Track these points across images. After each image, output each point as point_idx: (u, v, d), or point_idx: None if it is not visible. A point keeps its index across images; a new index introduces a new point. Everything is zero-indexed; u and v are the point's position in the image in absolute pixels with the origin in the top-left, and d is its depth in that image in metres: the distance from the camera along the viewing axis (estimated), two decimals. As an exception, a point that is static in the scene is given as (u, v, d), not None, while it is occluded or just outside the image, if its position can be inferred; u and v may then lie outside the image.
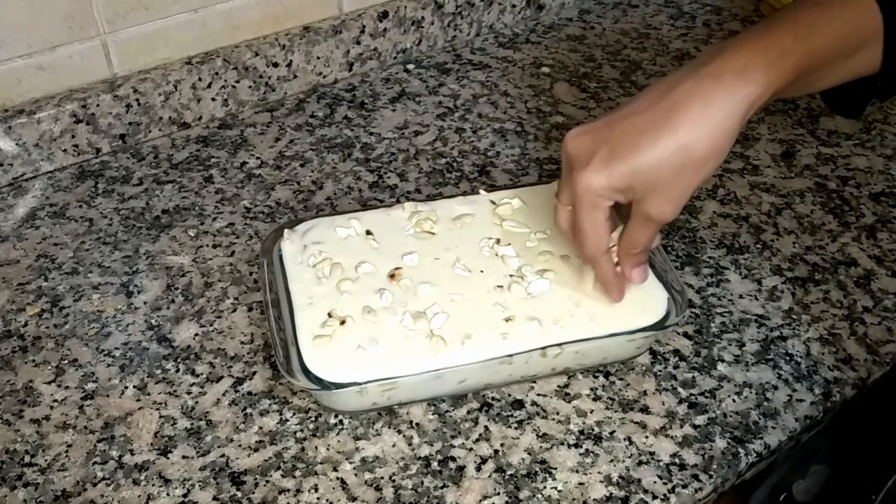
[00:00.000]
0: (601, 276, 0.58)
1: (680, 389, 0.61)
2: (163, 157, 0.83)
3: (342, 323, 0.58)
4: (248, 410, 0.59)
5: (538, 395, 0.60)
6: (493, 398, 0.60)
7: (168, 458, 0.56)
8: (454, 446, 0.57)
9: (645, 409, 0.59)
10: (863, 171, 0.82)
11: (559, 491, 0.54)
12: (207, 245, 0.73)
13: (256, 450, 0.57)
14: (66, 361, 0.63)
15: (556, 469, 0.56)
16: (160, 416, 0.59)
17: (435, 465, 0.56)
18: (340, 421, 0.59)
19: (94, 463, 0.56)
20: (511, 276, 0.61)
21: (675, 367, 0.62)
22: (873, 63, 0.54)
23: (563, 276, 0.61)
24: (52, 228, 0.74)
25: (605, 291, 0.59)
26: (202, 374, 0.62)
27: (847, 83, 0.55)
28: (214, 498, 0.54)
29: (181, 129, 0.86)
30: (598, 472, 0.56)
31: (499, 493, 0.54)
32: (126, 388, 0.61)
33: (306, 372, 0.55)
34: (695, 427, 0.58)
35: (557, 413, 0.59)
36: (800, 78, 0.52)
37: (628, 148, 0.51)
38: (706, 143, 0.50)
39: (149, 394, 0.60)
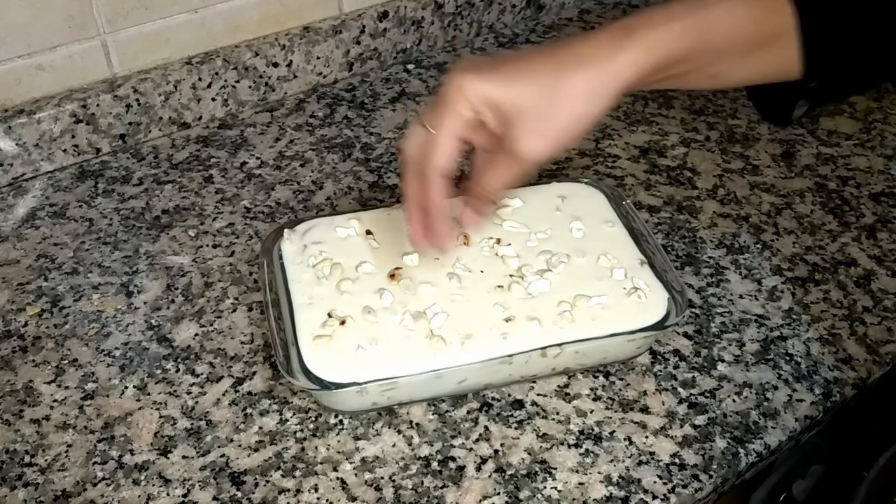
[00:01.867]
0: (425, 199, 0.54)
1: (680, 389, 0.61)
2: (163, 157, 0.83)
3: (342, 323, 0.58)
4: (248, 410, 0.59)
5: (538, 395, 0.60)
6: (493, 398, 0.60)
7: (168, 458, 0.56)
8: (454, 446, 0.57)
9: (645, 409, 0.59)
10: (863, 171, 0.82)
11: (559, 491, 0.54)
12: (207, 245, 0.73)
13: (256, 450, 0.57)
14: (66, 361, 0.63)
15: (556, 469, 0.56)
16: (160, 416, 0.59)
17: (435, 465, 0.56)
18: (340, 421, 0.59)
19: (94, 463, 0.56)
20: (511, 276, 0.61)
21: (675, 367, 0.62)
22: (791, 65, 0.53)
23: (564, 276, 0.61)
24: (52, 228, 0.74)
25: (411, 224, 0.57)
26: (202, 374, 0.62)
27: (777, 88, 0.55)
28: (214, 498, 0.54)
29: (181, 129, 0.86)
30: (598, 472, 0.56)
31: (499, 493, 0.54)
32: (126, 388, 0.61)
33: (306, 372, 0.55)
34: (695, 427, 0.58)
35: (557, 413, 0.59)
36: (694, 51, 0.51)
37: (510, 66, 0.51)
38: (580, 76, 0.50)
39: (149, 394, 0.60)
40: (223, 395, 0.60)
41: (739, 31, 0.51)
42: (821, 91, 0.55)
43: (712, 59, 0.52)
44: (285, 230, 0.64)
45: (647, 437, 0.58)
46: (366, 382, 0.55)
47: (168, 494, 0.54)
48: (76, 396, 0.60)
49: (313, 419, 0.59)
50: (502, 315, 0.59)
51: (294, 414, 0.59)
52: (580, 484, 0.55)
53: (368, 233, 0.64)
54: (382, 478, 0.55)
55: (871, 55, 0.53)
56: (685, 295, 0.60)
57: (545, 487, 0.55)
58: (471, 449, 0.57)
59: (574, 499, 0.54)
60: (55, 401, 0.60)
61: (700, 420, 0.59)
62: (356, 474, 0.55)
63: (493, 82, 0.50)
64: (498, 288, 0.61)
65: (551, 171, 0.81)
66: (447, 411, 0.59)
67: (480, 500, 0.54)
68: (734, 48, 0.52)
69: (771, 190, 0.79)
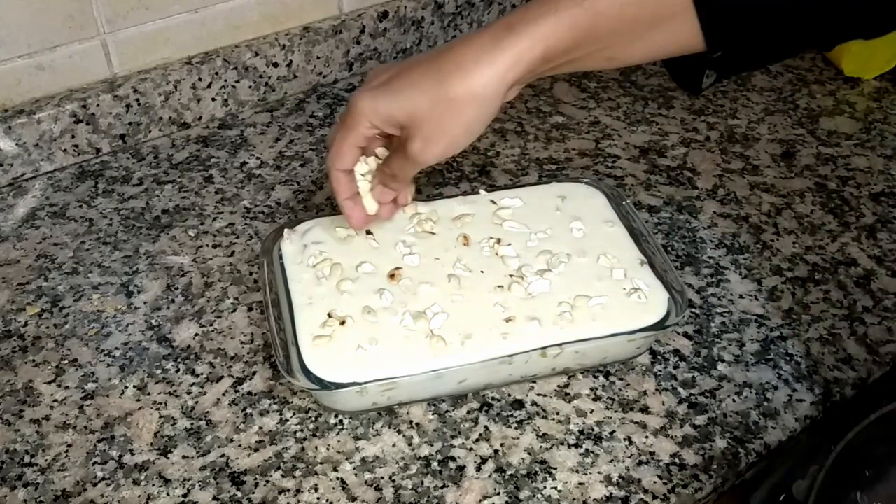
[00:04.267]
0: (332, 190, 0.60)
1: (680, 389, 0.61)
2: (163, 157, 0.83)
3: (342, 323, 0.58)
4: (248, 410, 0.59)
5: (538, 395, 0.60)
6: (493, 398, 0.60)
7: (168, 458, 0.56)
8: (454, 446, 0.57)
9: (645, 409, 0.59)
10: (863, 171, 0.82)
11: (559, 491, 0.54)
12: (207, 245, 0.73)
13: (256, 450, 0.57)
14: (66, 361, 0.63)
15: (556, 469, 0.56)
16: (160, 416, 0.59)
17: (435, 465, 0.56)
18: (340, 421, 0.59)
19: (94, 463, 0.56)
20: (511, 276, 0.61)
21: (675, 367, 0.62)
22: (695, 39, 0.52)
23: (564, 276, 0.61)
24: (52, 228, 0.74)
25: (344, 213, 0.61)
26: (202, 374, 0.62)
27: (688, 57, 0.54)
28: (214, 498, 0.54)
29: (181, 129, 0.86)
30: (598, 472, 0.56)
31: (499, 493, 0.54)
32: (126, 388, 0.61)
33: (306, 372, 0.55)
34: (695, 427, 0.58)
35: (557, 413, 0.59)
36: (585, 39, 0.51)
37: (400, 79, 0.53)
38: (464, 85, 0.51)
39: (149, 394, 0.60)
40: (223, 395, 0.60)
41: (631, 15, 0.51)
42: (726, 62, 0.55)
43: (605, 44, 0.52)
44: (285, 230, 0.64)
45: (647, 437, 0.58)
46: (366, 382, 0.55)
47: (168, 494, 0.54)
48: (76, 396, 0.60)
49: (313, 419, 0.59)
50: (502, 315, 0.59)
51: (294, 414, 0.59)
52: (580, 484, 0.55)
53: (368, 233, 0.64)
54: (382, 478, 0.55)
55: (769, 27, 0.52)
56: (685, 295, 0.60)
57: (545, 487, 0.55)
58: (471, 449, 0.57)
59: (574, 499, 0.54)
60: (55, 401, 0.60)
61: (700, 420, 0.59)
62: (356, 474, 0.55)
63: (386, 99, 0.53)
64: (498, 288, 0.61)
65: (551, 172, 0.81)
66: (447, 411, 0.59)
67: (480, 500, 0.54)
68: (628, 33, 0.52)
69: (771, 190, 0.79)
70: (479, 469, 0.56)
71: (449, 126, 0.52)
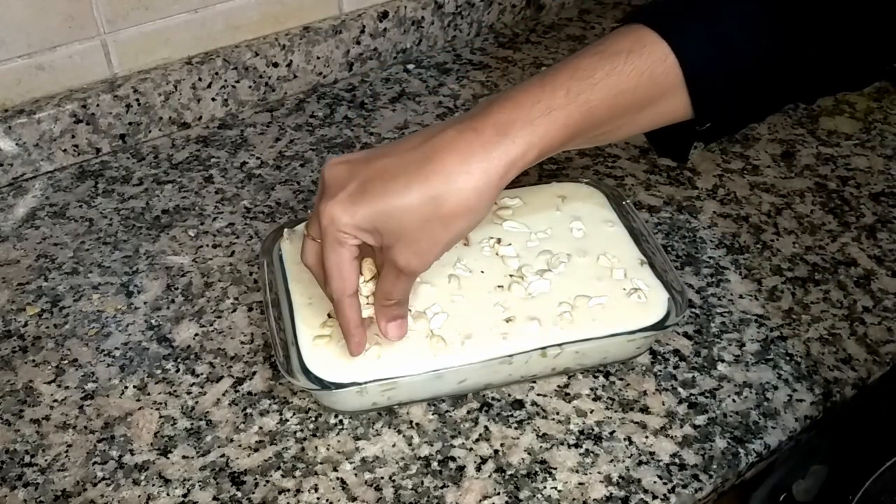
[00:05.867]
0: (342, 322, 0.53)
1: (680, 389, 0.61)
2: (163, 157, 0.83)
3: (342, 323, 0.58)
4: (248, 410, 0.59)
5: (538, 395, 0.60)
6: (493, 398, 0.60)
7: (168, 458, 0.56)
8: (454, 446, 0.57)
9: (645, 409, 0.59)
10: (863, 171, 0.82)
11: (559, 491, 0.54)
12: (207, 245, 0.73)
13: (256, 450, 0.57)
14: (66, 361, 0.63)
15: (556, 469, 0.56)
16: (160, 416, 0.59)
17: (435, 465, 0.56)
18: (340, 421, 0.59)
19: (94, 463, 0.56)
20: (511, 276, 0.61)
21: (675, 367, 0.62)
22: (683, 110, 0.51)
23: (564, 276, 0.61)
24: (52, 228, 0.74)
25: (345, 340, 0.54)
26: (202, 374, 0.62)
27: (674, 127, 0.53)
28: (214, 498, 0.54)
29: (181, 129, 0.86)
30: (598, 472, 0.56)
31: (499, 493, 0.54)
32: (126, 388, 0.61)
33: (306, 372, 0.55)
34: (695, 427, 0.58)
35: (557, 413, 0.59)
36: (579, 133, 0.49)
37: (377, 189, 0.48)
38: (456, 199, 0.47)
39: (149, 394, 0.60)
40: (223, 395, 0.60)
41: (624, 102, 0.50)
42: (712, 130, 0.55)
43: (597, 132, 0.51)
44: (285, 230, 0.64)
45: (647, 437, 0.58)
46: (366, 382, 0.55)
47: (168, 494, 0.54)
48: (76, 396, 0.60)
49: (313, 419, 0.59)
50: (502, 315, 0.59)
51: (294, 414, 0.59)
52: (580, 484, 0.55)
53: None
54: (382, 478, 0.55)
55: (756, 93, 0.52)
56: (685, 295, 0.60)
57: (545, 487, 0.55)
58: (471, 449, 0.57)
59: (574, 499, 0.54)
60: (55, 401, 0.60)
61: (700, 420, 0.59)
62: (356, 474, 0.55)
63: (364, 213, 0.48)
64: (498, 288, 0.61)
65: (551, 172, 0.81)
66: (447, 411, 0.59)
67: (480, 500, 0.54)
68: (621, 117, 0.51)
69: (771, 190, 0.79)
70: (479, 469, 0.56)
71: (442, 237, 0.49)
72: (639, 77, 0.49)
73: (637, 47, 0.49)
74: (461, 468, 0.56)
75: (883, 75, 0.54)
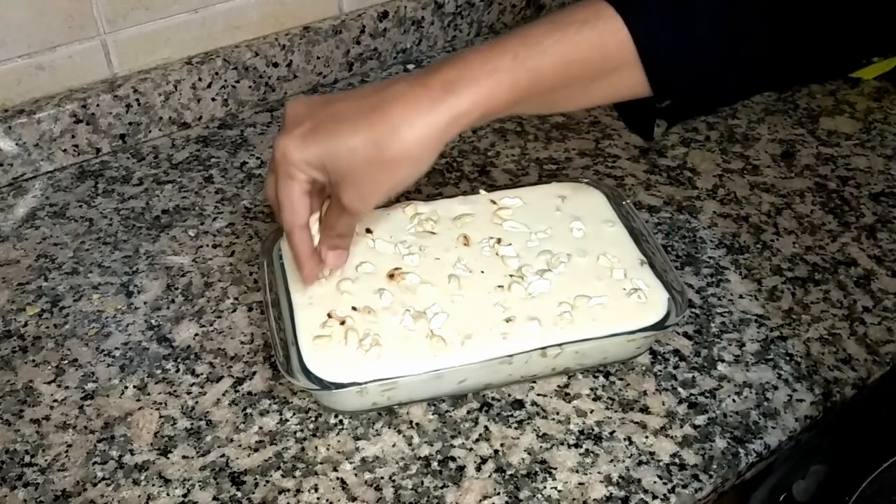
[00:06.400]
0: (293, 252, 0.57)
1: (680, 389, 0.61)
2: (163, 157, 0.83)
3: (342, 323, 0.58)
4: (248, 410, 0.59)
5: (538, 395, 0.60)
6: (493, 398, 0.60)
7: (168, 458, 0.56)
8: (454, 446, 0.57)
9: (645, 409, 0.59)
10: (863, 171, 0.82)
11: (559, 491, 0.54)
12: (207, 245, 0.73)
13: (256, 450, 0.57)
14: (66, 361, 0.63)
15: (556, 469, 0.56)
16: (160, 416, 0.59)
17: (435, 465, 0.56)
18: (340, 421, 0.59)
19: (94, 463, 0.56)
20: (511, 276, 0.61)
21: (675, 367, 0.62)
22: (640, 86, 0.52)
23: (565, 276, 0.61)
24: (52, 228, 0.74)
25: (297, 267, 0.58)
26: (202, 374, 0.62)
27: (639, 102, 0.54)
28: (214, 498, 0.54)
29: (181, 129, 0.86)
30: (598, 472, 0.56)
31: (499, 493, 0.54)
32: (126, 388, 0.61)
33: (306, 372, 0.55)
34: (695, 427, 0.58)
35: (557, 413, 0.59)
36: (526, 97, 0.50)
37: (328, 130, 0.51)
38: (398, 146, 0.49)
39: (149, 394, 0.60)
40: (223, 395, 0.60)
41: (575, 73, 0.51)
42: (674, 109, 0.55)
43: (546, 99, 0.52)
44: (285, 230, 0.64)
45: (647, 437, 0.58)
46: (366, 382, 0.55)
47: (168, 494, 0.54)
48: (76, 396, 0.60)
49: (313, 419, 0.59)
50: (502, 315, 0.59)
51: (294, 414, 0.59)
52: (580, 484, 0.55)
53: (368, 231, 0.64)
54: (382, 478, 0.55)
55: (715, 74, 0.52)
56: (685, 295, 0.60)
57: (545, 487, 0.55)
58: (471, 449, 0.57)
59: (574, 499, 0.54)
60: (55, 401, 0.60)
61: (700, 420, 0.59)
62: (356, 474, 0.55)
63: (314, 150, 0.51)
64: (498, 288, 0.61)
65: (551, 172, 0.81)
66: (447, 411, 0.59)
67: (480, 500, 0.54)
68: (571, 87, 0.51)
69: (771, 190, 0.79)
70: (479, 469, 0.56)
71: (384, 182, 0.51)
72: (590, 48, 0.50)
73: (592, 19, 0.50)
74: (461, 468, 0.56)
75: (855, 67, 0.54)
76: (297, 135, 0.52)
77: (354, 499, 0.54)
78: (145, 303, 0.67)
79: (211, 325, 0.65)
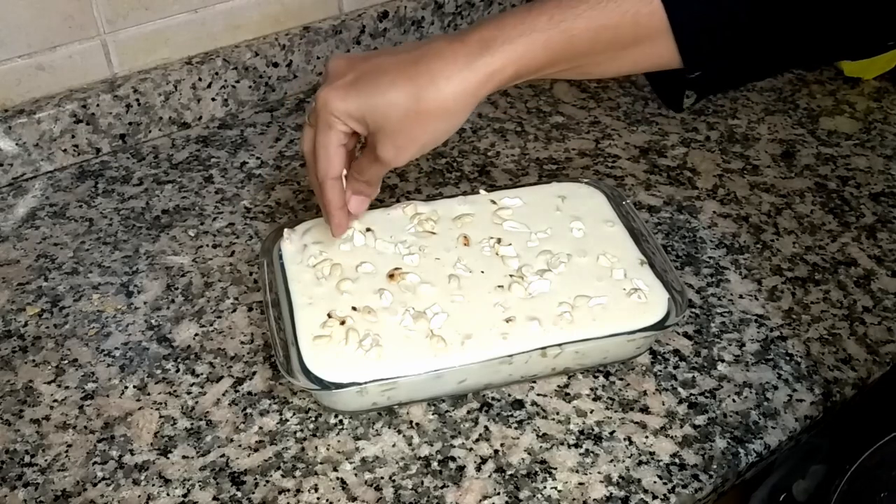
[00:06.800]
0: (324, 202, 0.59)
1: (680, 389, 0.61)
2: (163, 157, 0.83)
3: (342, 323, 0.58)
4: (248, 410, 0.59)
5: (538, 395, 0.60)
6: (493, 398, 0.60)
7: (168, 458, 0.56)
8: (454, 446, 0.57)
9: (645, 409, 0.59)
10: (863, 171, 0.82)
11: (559, 491, 0.54)
12: (207, 245, 0.73)
13: (256, 450, 0.57)
14: (66, 361, 0.63)
15: (556, 469, 0.56)
16: (160, 416, 0.59)
17: (435, 465, 0.56)
18: (340, 421, 0.59)
19: (94, 463, 0.56)
20: (511, 276, 0.61)
21: (675, 367, 0.62)
22: (670, 56, 0.53)
23: (565, 276, 0.61)
24: (52, 228, 0.74)
25: (326, 219, 0.60)
26: (202, 374, 0.62)
27: (670, 72, 0.55)
28: (214, 498, 0.54)
29: (181, 129, 0.86)
30: (598, 472, 0.56)
31: (499, 493, 0.54)
32: (126, 388, 0.61)
33: (306, 372, 0.55)
34: (695, 427, 0.58)
35: (557, 413, 0.59)
36: (559, 59, 0.52)
37: (369, 81, 0.53)
38: (435, 99, 0.51)
39: (149, 394, 0.60)
40: (223, 395, 0.60)
41: (606, 38, 0.52)
42: (705, 82, 0.56)
43: (579, 62, 0.53)
44: (285, 230, 0.64)
45: (647, 437, 0.58)
46: (366, 382, 0.55)
47: (168, 494, 0.54)
48: (76, 396, 0.60)
49: (313, 419, 0.59)
50: (502, 315, 0.59)
51: (294, 414, 0.59)
52: (580, 484, 0.55)
53: (368, 231, 0.64)
54: (382, 478, 0.55)
55: (747, 48, 0.53)
56: (685, 295, 0.60)
57: (545, 487, 0.55)
58: (471, 449, 0.57)
59: (574, 499, 0.54)
60: (55, 401, 0.60)
61: (700, 420, 0.59)
62: (356, 474, 0.55)
63: (357, 102, 0.53)
64: (498, 288, 0.61)
65: (551, 172, 0.81)
66: (447, 411, 0.59)
67: (480, 500, 0.54)
68: (603, 53, 0.53)
69: (771, 190, 0.79)
70: (479, 469, 0.56)
71: (419, 135, 0.53)
72: (622, 16, 0.51)
73: None
74: (461, 468, 0.56)
75: (883, 48, 0.54)
76: (338, 86, 0.54)
77: (354, 499, 0.54)
78: (145, 303, 0.67)
79: (211, 325, 0.65)
